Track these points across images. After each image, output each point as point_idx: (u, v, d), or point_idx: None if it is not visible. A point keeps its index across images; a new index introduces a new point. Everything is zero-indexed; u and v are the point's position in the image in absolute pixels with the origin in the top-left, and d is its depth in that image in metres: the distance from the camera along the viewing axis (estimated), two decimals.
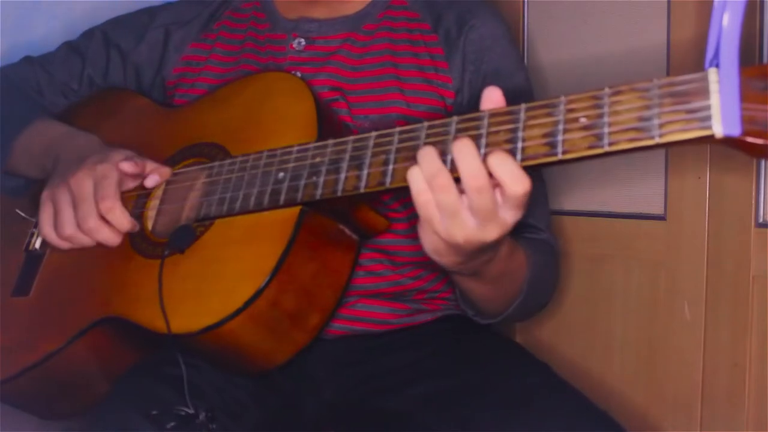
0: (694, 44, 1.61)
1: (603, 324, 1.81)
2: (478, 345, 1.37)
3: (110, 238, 1.26)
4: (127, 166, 1.26)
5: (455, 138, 0.93)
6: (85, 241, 1.26)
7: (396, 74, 1.37)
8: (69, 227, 1.25)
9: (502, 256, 1.11)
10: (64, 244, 1.28)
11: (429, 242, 0.98)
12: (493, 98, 0.96)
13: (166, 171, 1.30)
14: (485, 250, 1.01)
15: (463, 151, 0.91)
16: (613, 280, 1.83)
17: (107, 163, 1.26)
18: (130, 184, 1.29)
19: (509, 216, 0.93)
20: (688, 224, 1.70)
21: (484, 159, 0.91)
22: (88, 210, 1.24)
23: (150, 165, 1.30)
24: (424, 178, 0.93)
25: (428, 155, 0.93)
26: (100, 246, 1.26)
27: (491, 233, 0.94)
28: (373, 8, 1.43)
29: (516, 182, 0.90)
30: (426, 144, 0.96)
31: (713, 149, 1.65)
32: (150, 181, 1.29)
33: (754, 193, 1.61)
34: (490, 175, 0.90)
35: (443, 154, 0.94)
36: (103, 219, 1.25)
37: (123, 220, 1.25)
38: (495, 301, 1.27)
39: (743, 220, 1.62)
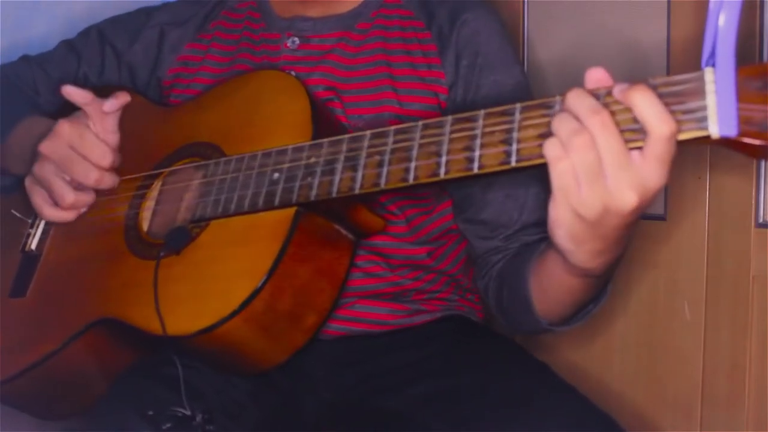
0: (694, 44, 1.60)
1: (603, 324, 1.80)
2: (478, 345, 1.37)
3: (115, 181, 1.31)
4: (78, 95, 1.31)
5: (631, 89, 0.86)
6: (88, 199, 1.31)
7: (389, 73, 1.36)
8: (68, 194, 1.27)
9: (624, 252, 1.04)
10: (69, 215, 1.30)
11: (566, 227, 0.92)
12: (599, 77, 0.90)
13: (121, 94, 1.33)
14: (621, 236, 0.95)
15: (646, 96, 0.85)
16: (613, 280, 1.82)
17: (66, 121, 1.29)
18: (99, 126, 1.31)
19: (650, 172, 0.87)
20: (688, 224, 1.69)
21: (624, 92, 0.86)
22: (83, 167, 1.27)
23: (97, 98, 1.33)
24: (578, 114, 0.87)
25: (580, 95, 0.88)
26: (96, 243, 1.26)
27: (631, 197, 0.87)
28: (366, 7, 1.43)
29: (662, 124, 0.84)
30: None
31: (713, 149, 1.64)
32: (108, 105, 1.31)
33: (754, 193, 1.60)
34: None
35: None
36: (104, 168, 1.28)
37: (116, 159, 1.30)
38: (581, 304, 1.20)
39: (743, 220, 1.61)
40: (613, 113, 0.86)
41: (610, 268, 1.03)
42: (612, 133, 0.86)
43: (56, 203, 1.30)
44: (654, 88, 0.85)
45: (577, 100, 0.88)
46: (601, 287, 1.17)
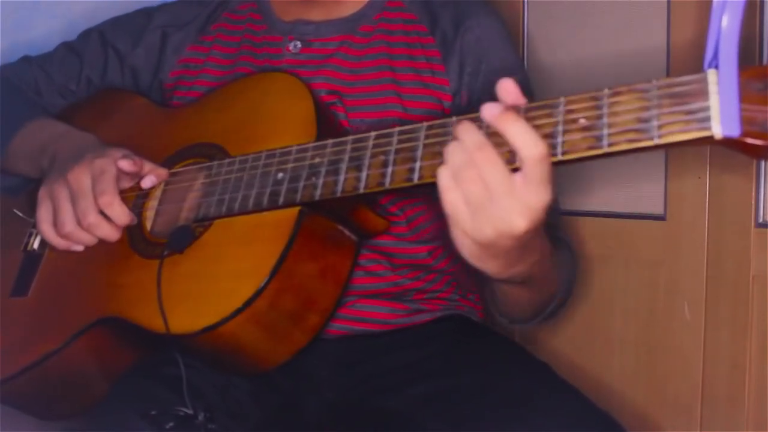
0: (694, 45, 1.61)
1: (603, 324, 1.81)
2: (478, 345, 1.37)
3: (110, 233, 1.25)
4: (126, 164, 1.26)
5: (501, 117, 0.89)
6: (85, 238, 1.26)
7: (393, 77, 1.36)
8: (69, 224, 1.25)
9: (546, 257, 1.08)
10: (62, 243, 1.27)
11: (465, 247, 0.95)
12: (509, 89, 0.93)
13: (164, 172, 1.30)
14: (526, 249, 0.97)
15: (514, 122, 0.88)
16: (613, 280, 1.83)
17: (105, 158, 1.26)
18: (127, 183, 1.29)
19: (532, 195, 0.89)
20: (688, 224, 1.70)
21: (495, 118, 0.89)
22: (87, 205, 1.24)
23: (147, 165, 1.30)
24: (464, 149, 0.90)
25: (468, 129, 0.91)
26: (99, 243, 1.26)
27: (519, 222, 0.90)
28: (369, 10, 1.42)
29: (529, 145, 0.87)
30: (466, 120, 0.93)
31: (713, 149, 1.64)
32: (147, 182, 1.29)
33: (754, 193, 1.61)
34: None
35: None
36: (103, 214, 1.24)
37: (122, 214, 1.25)
38: (537, 305, 1.24)
39: (743, 220, 1.62)
40: (615, 114, 0.87)
41: (530, 275, 1.06)
42: (496, 166, 0.89)
43: (55, 225, 1.29)
44: (525, 112, 0.90)
45: (465, 134, 0.90)
46: (552, 288, 1.21)
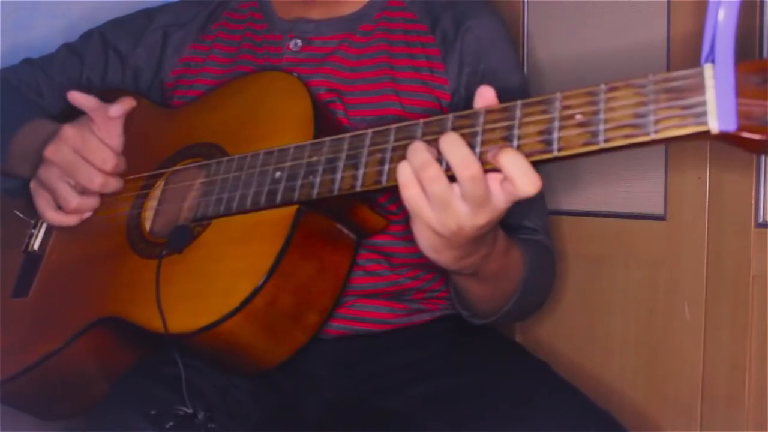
0: (693, 44, 1.61)
1: (602, 324, 1.81)
2: (478, 345, 1.37)
3: (118, 184, 1.31)
4: (83, 100, 1.31)
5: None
6: (93, 203, 1.31)
7: (392, 75, 1.36)
8: (72, 198, 1.27)
9: (499, 252, 1.11)
10: (72, 219, 1.31)
11: (424, 239, 0.98)
12: (486, 97, 0.95)
13: (127, 100, 1.33)
14: (480, 241, 1.00)
15: (451, 142, 0.91)
16: (613, 280, 1.83)
17: (71, 126, 1.29)
18: (104, 131, 1.32)
19: (501, 202, 0.93)
20: (688, 224, 1.70)
21: (495, 155, 0.90)
22: (87, 171, 1.27)
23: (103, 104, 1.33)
24: (413, 170, 0.93)
25: (416, 149, 0.93)
26: (99, 243, 1.27)
27: (481, 218, 0.93)
28: (370, 9, 1.42)
29: (528, 183, 0.89)
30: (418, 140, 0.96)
31: (713, 149, 1.65)
32: (114, 110, 1.31)
33: (754, 193, 1.61)
34: (498, 170, 0.90)
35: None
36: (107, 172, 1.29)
37: (120, 162, 1.31)
38: (492, 301, 1.26)
39: (743, 220, 1.62)
40: (611, 109, 0.87)
41: (479, 267, 1.09)
42: (479, 183, 0.91)
43: (60, 207, 1.31)
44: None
45: (450, 147, 0.92)
46: (508, 287, 1.23)
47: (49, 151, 1.28)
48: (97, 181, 1.28)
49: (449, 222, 0.93)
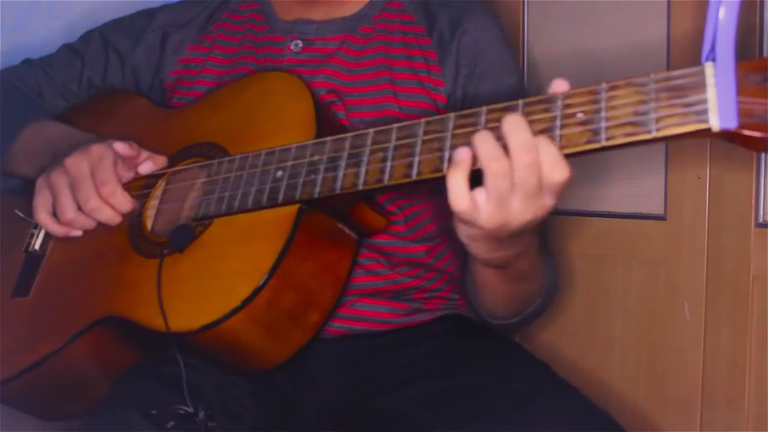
0: (694, 43, 1.61)
1: (603, 324, 1.81)
2: (478, 345, 1.37)
3: (112, 217, 1.27)
4: (122, 147, 1.27)
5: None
6: (86, 223, 1.28)
7: (390, 77, 1.37)
8: (70, 211, 1.26)
9: (531, 253, 1.11)
10: (62, 230, 1.29)
11: (463, 228, 0.98)
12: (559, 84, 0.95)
13: (161, 159, 1.31)
14: (518, 237, 1.00)
15: (514, 122, 0.91)
16: (613, 280, 1.83)
17: (102, 145, 1.27)
18: (125, 172, 1.30)
19: (550, 201, 0.93)
20: (688, 224, 1.70)
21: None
22: (88, 191, 1.25)
23: (145, 152, 1.31)
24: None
25: (484, 140, 0.92)
26: (98, 243, 1.27)
27: (530, 212, 0.93)
28: (369, 10, 1.43)
29: (555, 168, 0.90)
30: (483, 129, 0.95)
31: (713, 148, 1.65)
32: (144, 168, 1.30)
33: (754, 193, 1.61)
34: None
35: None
36: (104, 199, 1.26)
37: (125, 202, 1.27)
38: (514, 302, 1.26)
39: (743, 220, 1.62)
40: (612, 108, 0.87)
41: (509, 262, 1.09)
42: (534, 172, 0.91)
43: (55, 214, 1.30)
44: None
45: (512, 129, 0.91)
46: (533, 288, 1.24)
47: (70, 161, 1.26)
48: (91, 203, 1.25)
49: (496, 216, 0.93)
